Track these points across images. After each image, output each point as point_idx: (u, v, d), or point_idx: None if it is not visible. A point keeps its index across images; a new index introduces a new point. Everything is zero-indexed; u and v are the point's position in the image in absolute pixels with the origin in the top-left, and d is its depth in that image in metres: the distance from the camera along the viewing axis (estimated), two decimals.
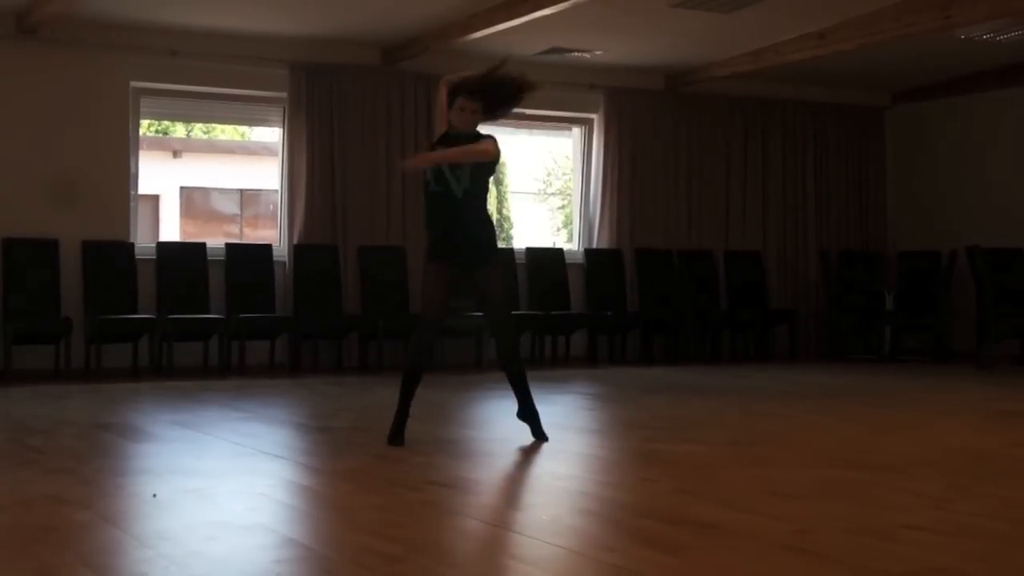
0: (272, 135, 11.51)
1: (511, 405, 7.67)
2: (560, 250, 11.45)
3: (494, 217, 18.64)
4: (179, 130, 20.00)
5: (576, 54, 10.59)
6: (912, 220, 12.44)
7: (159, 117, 15.30)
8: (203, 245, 10.05)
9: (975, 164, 11.92)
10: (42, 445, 5.57)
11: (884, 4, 8.96)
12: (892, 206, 12.72)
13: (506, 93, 5.82)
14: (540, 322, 10.60)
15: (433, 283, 5.68)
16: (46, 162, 9.31)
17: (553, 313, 10.71)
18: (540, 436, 5.74)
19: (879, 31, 9.20)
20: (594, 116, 11.43)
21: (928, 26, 8.84)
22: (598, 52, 10.56)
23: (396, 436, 5.52)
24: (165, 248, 9.94)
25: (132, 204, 9.77)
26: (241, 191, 19.97)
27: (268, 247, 10.25)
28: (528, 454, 5.52)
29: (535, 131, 12.48)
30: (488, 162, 5.65)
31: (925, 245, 11.92)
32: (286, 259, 10.10)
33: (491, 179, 5.88)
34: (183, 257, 9.87)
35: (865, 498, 4.42)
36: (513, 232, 18.83)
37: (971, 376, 9.91)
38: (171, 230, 18.60)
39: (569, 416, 7.40)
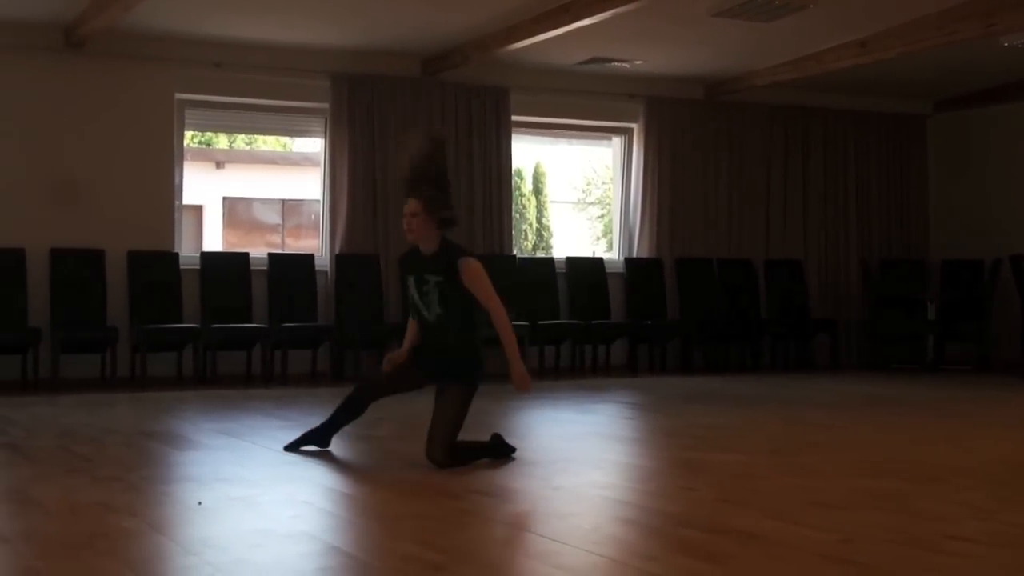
0: (314, 145, 11.59)
1: (551, 414, 7.69)
2: (600, 259, 11.44)
3: (534, 227, 18.71)
4: (222, 141, 20.18)
5: (616, 64, 10.59)
6: (954, 228, 12.33)
7: (203, 128, 15.44)
8: (246, 255, 10.13)
9: (1018, 172, 11.80)
10: (90, 453, 5.63)
11: (926, 12, 8.90)
12: (934, 214, 12.61)
13: (429, 172, 5.26)
14: (580, 331, 10.60)
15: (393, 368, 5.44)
16: (92, 174, 9.41)
17: (593, 322, 10.70)
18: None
19: (921, 39, 9.14)
20: (634, 125, 11.42)
21: (971, 34, 8.77)
22: (638, 62, 10.56)
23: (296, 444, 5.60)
24: (209, 258, 10.02)
25: (176, 214, 9.86)
26: (283, 201, 20.11)
27: (310, 257, 10.31)
28: (569, 464, 5.52)
29: (575, 140, 12.49)
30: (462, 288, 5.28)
31: (968, 253, 11.81)
32: (328, 268, 10.15)
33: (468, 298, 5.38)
34: (226, 267, 9.94)
35: (908, 508, 4.38)
36: (553, 241, 18.83)
37: (1015, 386, 9.81)
38: (214, 240, 18.74)
39: (609, 425, 7.39)
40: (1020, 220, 11.63)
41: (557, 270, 11.00)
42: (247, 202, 20.28)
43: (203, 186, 18.00)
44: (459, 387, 5.32)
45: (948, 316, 11.58)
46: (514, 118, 10.82)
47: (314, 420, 7.24)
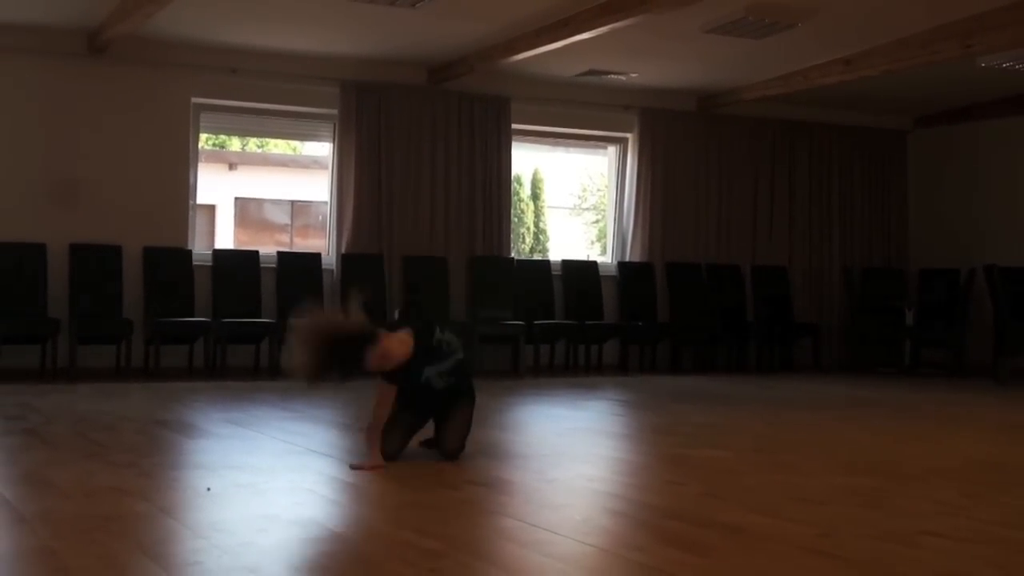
0: (322, 149, 11.58)
1: (546, 410, 7.69)
2: (594, 263, 11.43)
3: (531, 231, 18.71)
4: (235, 144, 20.16)
5: (613, 76, 10.59)
6: (932, 239, 12.35)
7: (217, 131, 15.43)
8: (256, 253, 10.12)
9: (993, 186, 11.83)
10: (105, 439, 5.63)
11: (909, 32, 8.91)
12: (913, 225, 12.63)
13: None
14: (574, 331, 10.59)
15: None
16: (111, 173, 9.42)
17: (587, 323, 10.70)
18: None
19: (903, 58, 9.15)
20: (629, 135, 11.42)
21: (950, 54, 8.78)
22: (634, 74, 10.56)
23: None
24: (220, 255, 10.02)
25: (190, 213, 9.86)
26: (292, 202, 20.08)
27: (317, 256, 10.30)
28: (561, 457, 5.52)
29: (572, 149, 12.48)
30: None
31: (945, 263, 11.82)
32: (334, 267, 10.15)
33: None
34: (237, 264, 9.94)
35: (886, 505, 4.38)
36: (549, 244, 18.83)
37: (988, 389, 9.81)
38: (226, 238, 18.71)
39: (600, 421, 7.38)
40: (994, 232, 11.65)
41: (553, 272, 11.00)
42: (258, 202, 20.26)
43: (216, 186, 17.95)
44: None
45: (925, 322, 11.60)
46: (514, 126, 10.82)
47: (318, 412, 7.28)
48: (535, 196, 19.39)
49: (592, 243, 17.84)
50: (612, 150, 11.68)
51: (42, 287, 9.04)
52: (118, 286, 9.28)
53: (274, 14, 8.77)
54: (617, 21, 8.09)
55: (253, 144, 20.30)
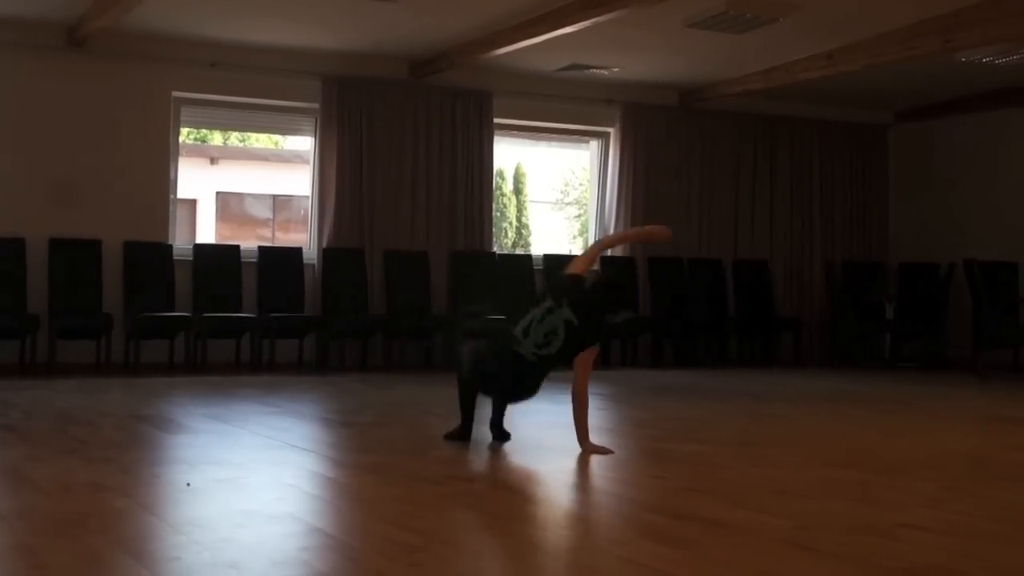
0: (304, 144, 11.54)
1: (526, 404, 7.67)
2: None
3: (514, 225, 18.71)
4: (216, 138, 20.10)
5: (594, 70, 10.59)
6: (913, 233, 12.40)
7: (198, 126, 15.38)
8: (237, 247, 10.09)
9: (973, 180, 11.88)
10: (84, 435, 5.60)
11: (889, 28, 8.94)
12: (894, 219, 12.67)
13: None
14: None
15: None
16: (91, 167, 9.37)
17: None
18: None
19: (884, 53, 9.18)
20: (611, 130, 11.43)
21: (930, 49, 8.81)
22: (615, 69, 10.56)
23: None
24: (201, 250, 9.98)
25: (171, 208, 9.82)
26: (274, 197, 20.05)
27: (298, 250, 10.28)
28: (543, 451, 5.52)
29: (554, 143, 12.47)
30: None
31: (925, 257, 11.87)
32: (315, 262, 10.13)
33: None
34: (218, 258, 9.90)
35: (865, 498, 4.40)
36: (531, 239, 18.84)
37: (967, 383, 9.86)
38: (207, 233, 18.67)
39: None
40: (974, 226, 11.70)
41: (535, 266, 11.00)
42: (239, 197, 20.22)
43: (197, 181, 17.93)
44: None
45: (905, 316, 11.64)
46: (496, 121, 10.81)
47: (299, 407, 7.25)
48: (517, 190, 19.40)
49: (574, 237, 17.86)
50: (594, 144, 11.68)
51: (21, 282, 8.99)
52: (98, 281, 9.24)
53: (255, 8, 8.74)
54: (599, 15, 8.09)
55: (234, 138, 20.26)
